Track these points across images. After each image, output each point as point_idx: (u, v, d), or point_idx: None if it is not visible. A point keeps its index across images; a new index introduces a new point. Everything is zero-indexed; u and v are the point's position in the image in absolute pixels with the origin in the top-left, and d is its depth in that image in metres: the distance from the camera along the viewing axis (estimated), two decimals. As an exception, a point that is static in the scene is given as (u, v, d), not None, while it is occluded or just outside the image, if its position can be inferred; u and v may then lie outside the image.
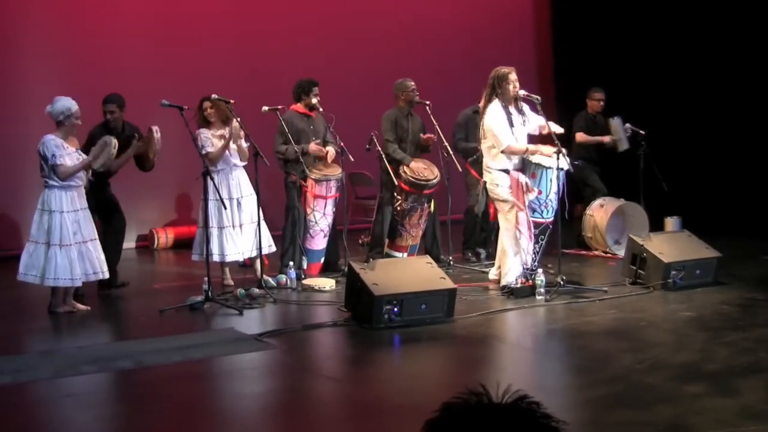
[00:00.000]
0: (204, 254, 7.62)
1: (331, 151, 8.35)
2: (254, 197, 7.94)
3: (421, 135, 8.70)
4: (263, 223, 7.98)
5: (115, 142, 7.30)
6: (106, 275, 7.41)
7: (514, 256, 7.45)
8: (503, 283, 7.51)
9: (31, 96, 10.14)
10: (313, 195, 8.19)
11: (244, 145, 7.94)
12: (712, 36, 10.48)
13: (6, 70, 10.11)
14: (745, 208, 10.05)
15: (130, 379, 5.67)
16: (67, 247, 7.05)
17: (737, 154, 10.31)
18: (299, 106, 8.44)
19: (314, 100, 8.36)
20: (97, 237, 7.35)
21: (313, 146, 8.22)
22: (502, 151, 7.43)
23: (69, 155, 7.14)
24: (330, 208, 8.31)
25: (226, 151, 7.85)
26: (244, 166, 8.02)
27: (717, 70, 10.45)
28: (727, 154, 10.37)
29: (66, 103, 7.18)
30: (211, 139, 7.89)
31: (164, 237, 10.66)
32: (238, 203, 7.89)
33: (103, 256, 7.31)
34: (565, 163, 7.35)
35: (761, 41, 10.14)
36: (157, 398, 5.38)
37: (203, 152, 7.85)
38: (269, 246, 8.03)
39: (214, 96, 7.73)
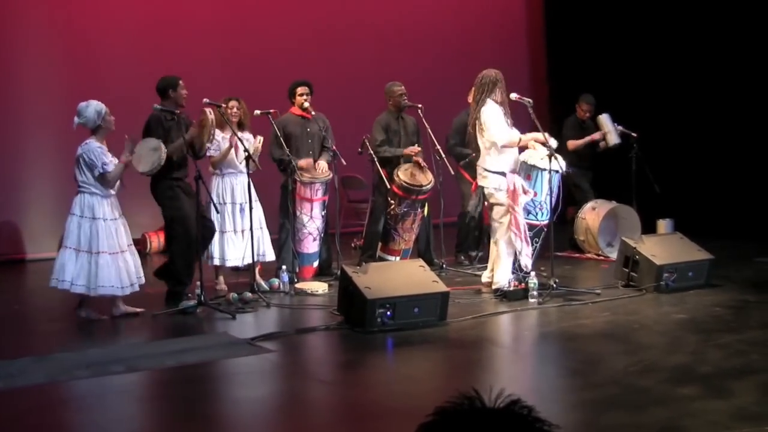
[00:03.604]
0: (206, 257, 7.63)
1: (320, 163, 8.31)
2: (258, 204, 7.84)
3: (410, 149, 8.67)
4: (265, 231, 7.93)
5: (164, 147, 7.03)
6: (143, 281, 7.25)
7: (507, 258, 7.46)
8: (495, 286, 7.52)
9: (27, 99, 10.14)
10: (300, 197, 8.16)
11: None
12: (704, 38, 10.52)
13: (1, 73, 10.08)
14: (738, 210, 10.09)
15: (123, 383, 5.65)
16: (114, 255, 6.88)
17: (729, 156, 10.34)
18: (294, 108, 8.46)
19: (299, 99, 8.35)
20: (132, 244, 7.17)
21: (302, 162, 8.16)
22: (503, 146, 7.41)
23: (111, 161, 6.88)
24: (318, 212, 8.26)
25: (235, 157, 7.78)
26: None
27: (709, 72, 10.49)
28: (719, 156, 10.41)
29: (96, 107, 6.84)
30: (219, 143, 7.82)
31: (156, 241, 10.64)
32: (241, 208, 7.80)
33: (139, 261, 7.19)
34: (558, 165, 7.35)
35: (752, 44, 10.18)
36: (150, 403, 5.38)
37: (207, 154, 7.81)
38: (262, 255, 7.94)
39: (205, 100, 7.58)
